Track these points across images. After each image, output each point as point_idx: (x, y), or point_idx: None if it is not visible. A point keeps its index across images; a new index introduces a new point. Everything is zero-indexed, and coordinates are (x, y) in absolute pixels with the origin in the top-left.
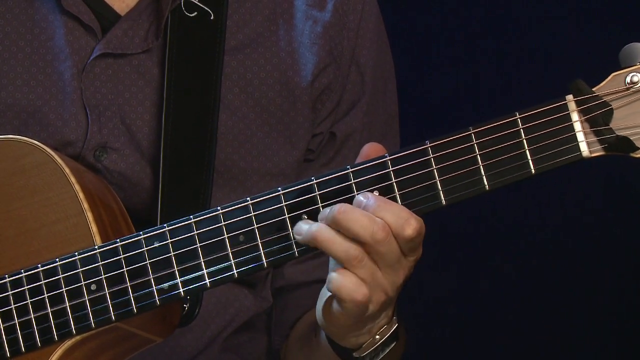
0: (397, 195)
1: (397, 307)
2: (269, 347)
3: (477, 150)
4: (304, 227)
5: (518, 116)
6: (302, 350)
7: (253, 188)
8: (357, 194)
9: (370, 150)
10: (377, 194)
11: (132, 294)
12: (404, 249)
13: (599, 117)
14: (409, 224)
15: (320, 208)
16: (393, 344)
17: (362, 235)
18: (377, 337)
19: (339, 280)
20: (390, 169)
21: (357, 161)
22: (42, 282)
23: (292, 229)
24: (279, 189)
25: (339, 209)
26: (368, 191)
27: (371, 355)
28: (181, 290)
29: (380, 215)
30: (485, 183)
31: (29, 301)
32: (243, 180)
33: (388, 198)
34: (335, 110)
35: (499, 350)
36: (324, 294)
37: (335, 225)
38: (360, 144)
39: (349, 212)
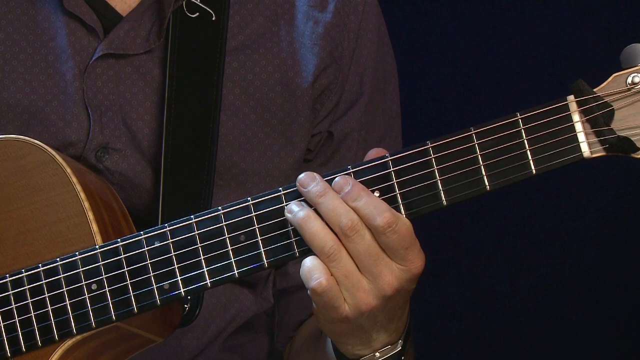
0: (398, 195)
1: (411, 335)
2: (270, 348)
3: (478, 151)
4: (295, 209)
5: (519, 116)
6: (308, 350)
7: (253, 189)
8: (336, 177)
9: (379, 155)
10: (378, 195)
11: (133, 293)
12: (382, 245)
13: (600, 118)
14: (381, 214)
15: None
16: None
17: (335, 226)
18: (377, 354)
19: (305, 263)
20: (392, 169)
21: None
22: (43, 281)
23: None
24: (280, 189)
25: (319, 193)
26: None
27: None
28: (182, 290)
29: (354, 204)
30: (486, 183)
31: (29, 301)
32: (243, 181)
33: (389, 197)
34: (333, 110)
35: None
36: None
37: (315, 206)
38: (358, 143)
39: (328, 199)
